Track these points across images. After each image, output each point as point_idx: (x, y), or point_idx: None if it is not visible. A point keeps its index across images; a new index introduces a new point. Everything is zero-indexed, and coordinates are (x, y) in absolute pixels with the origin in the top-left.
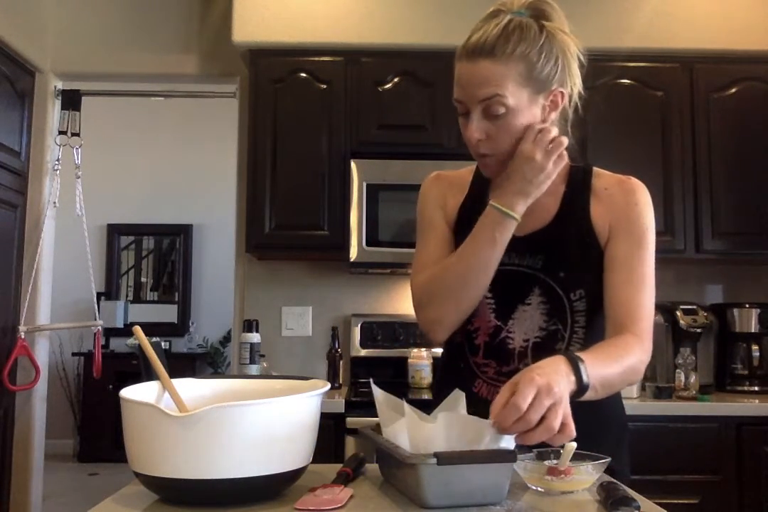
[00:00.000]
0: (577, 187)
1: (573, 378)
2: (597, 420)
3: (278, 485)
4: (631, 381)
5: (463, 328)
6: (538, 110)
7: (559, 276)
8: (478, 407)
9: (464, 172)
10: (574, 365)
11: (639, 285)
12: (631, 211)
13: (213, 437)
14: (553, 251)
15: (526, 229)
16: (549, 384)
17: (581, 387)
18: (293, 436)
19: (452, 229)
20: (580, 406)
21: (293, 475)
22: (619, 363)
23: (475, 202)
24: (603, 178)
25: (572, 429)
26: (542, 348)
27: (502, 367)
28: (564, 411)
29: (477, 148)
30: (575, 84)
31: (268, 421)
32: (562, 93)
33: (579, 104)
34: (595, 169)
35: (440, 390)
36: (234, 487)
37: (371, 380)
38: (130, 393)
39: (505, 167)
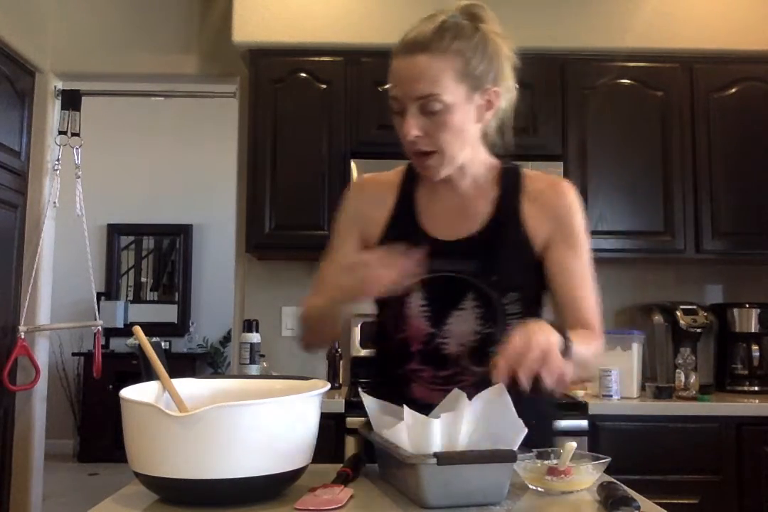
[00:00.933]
0: (509, 189)
1: (561, 338)
2: (535, 412)
3: (278, 485)
4: (591, 371)
5: (394, 338)
6: (473, 108)
7: (493, 280)
8: (415, 410)
9: (392, 175)
10: (561, 331)
11: (587, 288)
12: (567, 215)
13: (213, 437)
14: (486, 255)
15: (458, 233)
16: (545, 337)
17: (565, 350)
18: (293, 436)
19: (378, 239)
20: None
21: (293, 475)
22: (590, 349)
23: (404, 209)
24: (534, 179)
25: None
26: (477, 352)
27: (439, 371)
28: (557, 361)
29: (415, 146)
30: (509, 85)
31: (267, 421)
32: (496, 92)
33: (512, 107)
34: (524, 170)
35: (376, 394)
36: (234, 487)
37: (360, 389)
38: (130, 393)
39: (449, 169)
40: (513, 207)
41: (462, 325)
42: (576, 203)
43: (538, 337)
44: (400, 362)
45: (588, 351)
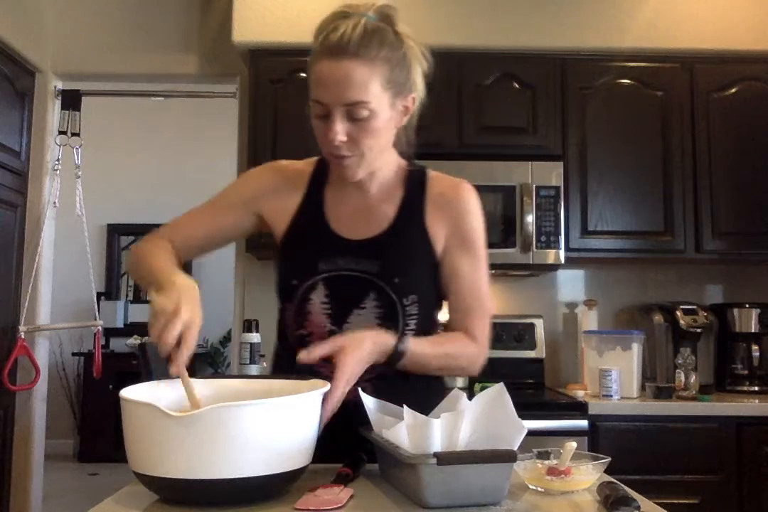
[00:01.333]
0: (414, 192)
1: (392, 344)
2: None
3: (278, 485)
4: (452, 372)
5: (294, 333)
6: (395, 114)
7: (394, 282)
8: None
9: (303, 165)
10: (400, 338)
11: (477, 295)
12: (464, 219)
13: (212, 437)
14: (389, 257)
15: (363, 233)
16: (352, 347)
17: (396, 356)
18: (292, 436)
19: (284, 230)
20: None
21: (293, 475)
22: (445, 351)
23: (312, 204)
24: (437, 182)
25: (340, 384)
26: None
27: None
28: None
29: (338, 150)
30: (421, 90)
31: (267, 421)
32: (413, 98)
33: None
34: (429, 172)
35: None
36: (233, 487)
37: (359, 388)
38: (129, 393)
39: (366, 168)
40: (417, 210)
41: (362, 324)
42: (474, 206)
43: (339, 341)
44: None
45: (441, 350)
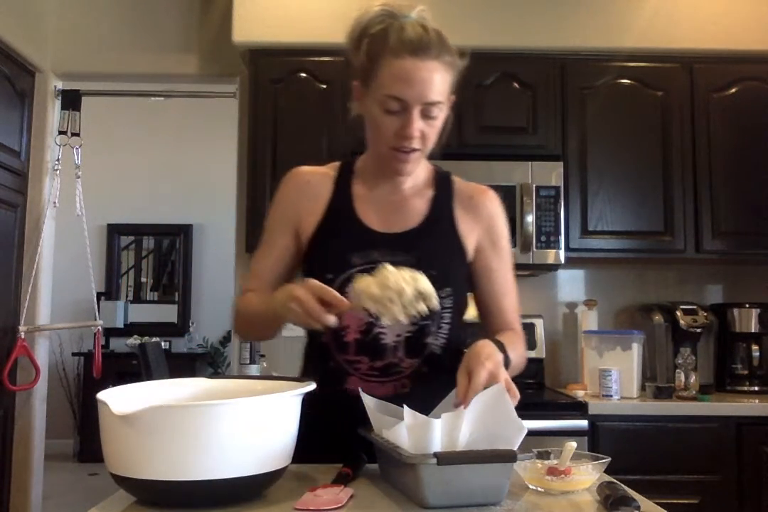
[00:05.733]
0: (443, 192)
1: (502, 358)
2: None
3: (248, 487)
4: (521, 368)
5: (329, 328)
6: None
7: (431, 274)
8: (350, 403)
9: (327, 169)
10: (502, 349)
11: (513, 294)
12: (495, 223)
13: (152, 437)
14: (425, 249)
15: (396, 227)
16: (495, 366)
17: (505, 367)
18: (245, 440)
19: (313, 230)
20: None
21: (266, 478)
22: (519, 352)
23: (341, 202)
24: (463, 186)
25: (517, 390)
26: (413, 343)
27: (375, 362)
28: (507, 379)
29: (411, 145)
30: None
31: (211, 424)
32: (452, 99)
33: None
34: (453, 176)
35: (311, 394)
36: (181, 489)
37: (360, 389)
38: (107, 393)
39: (419, 164)
40: (447, 208)
41: None
42: (501, 211)
43: (489, 359)
44: (333, 353)
45: (518, 352)
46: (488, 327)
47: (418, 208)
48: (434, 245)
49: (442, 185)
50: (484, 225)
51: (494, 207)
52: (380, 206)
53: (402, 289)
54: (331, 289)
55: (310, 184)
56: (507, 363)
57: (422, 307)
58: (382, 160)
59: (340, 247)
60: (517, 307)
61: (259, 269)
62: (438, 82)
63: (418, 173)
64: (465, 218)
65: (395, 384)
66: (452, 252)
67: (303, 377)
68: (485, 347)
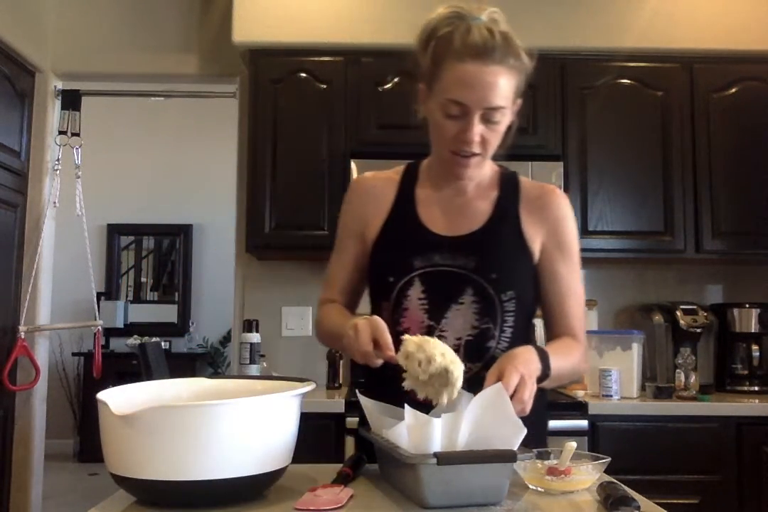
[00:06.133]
0: (509, 192)
1: (540, 367)
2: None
3: (246, 488)
4: (573, 378)
5: (391, 330)
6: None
7: (492, 277)
8: (403, 402)
9: (391, 173)
10: (543, 358)
11: (577, 298)
12: (563, 225)
13: (153, 437)
14: (486, 253)
15: (459, 230)
16: (529, 374)
17: (543, 377)
18: (245, 440)
19: (377, 234)
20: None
21: (265, 478)
22: (570, 362)
23: (404, 205)
24: (530, 186)
25: (528, 407)
26: (474, 346)
27: None
28: (531, 390)
29: (471, 149)
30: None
31: (209, 424)
32: (518, 103)
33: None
34: (521, 177)
35: (371, 394)
36: (179, 489)
37: (357, 390)
38: (107, 393)
39: (480, 168)
40: (512, 210)
41: (460, 319)
42: (571, 213)
43: (524, 364)
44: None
45: (567, 362)
46: (550, 331)
47: (482, 209)
48: (496, 248)
49: (507, 186)
50: (551, 226)
51: (562, 208)
52: (443, 209)
53: (432, 357)
54: (386, 334)
55: (375, 189)
56: (546, 374)
57: (441, 385)
58: (443, 163)
59: (401, 250)
60: (583, 314)
61: (333, 277)
62: (501, 86)
63: (482, 174)
64: (530, 219)
65: None
66: (516, 254)
67: (366, 375)
68: (524, 352)
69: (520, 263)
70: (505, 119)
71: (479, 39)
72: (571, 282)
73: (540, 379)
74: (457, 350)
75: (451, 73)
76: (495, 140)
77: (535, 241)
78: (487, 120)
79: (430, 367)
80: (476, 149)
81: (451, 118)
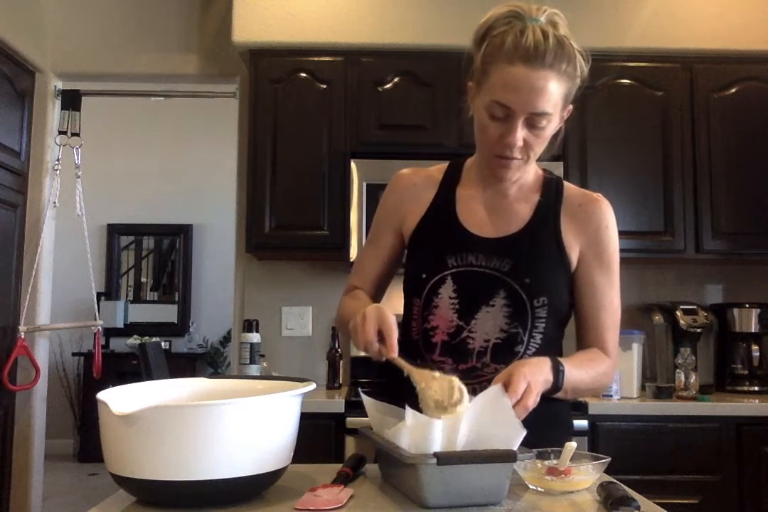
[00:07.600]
0: (551, 198)
1: (551, 380)
2: (546, 419)
3: (245, 488)
4: (596, 391)
5: (420, 327)
6: (558, 123)
7: (525, 282)
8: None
9: (434, 170)
10: (555, 370)
11: (613, 311)
12: (604, 235)
13: (153, 437)
14: (521, 257)
15: (497, 232)
16: (535, 383)
17: (555, 389)
18: (245, 440)
19: (414, 229)
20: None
21: (263, 478)
22: (590, 375)
23: (443, 203)
24: (574, 193)
25: (527, 410)
26: (501, 350)
27: (459, 365)
28: (534, 401)
29: (513, 153)
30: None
31: (209, 424)
32: (570, 109)
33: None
34: (565, 182)
35: (395, 388)
36: (178, 489)
37: (360, 389)
38: (116, 392)
39: (522, 171)
40: (552, 215)
41: (490, 321)
42: (612, 222)
43: (533, 374)
44: (421, 351)
45: (587, 375)
46: (580, 341)
47: (522, 213)
48: (532, 252)
49: (550, 190)
50: (591, 235)
51: (604, 217)
52: (483, 209)
53: (452, 408)
54: (392, 330)
55: (416, 186)
56: (558, 387)
57: (441, 407)
58: (485, 164)
59: (436, 248)
60: (616, 327)
61: (363, 265)
62: (549, 92)
63: (525, 177)
64: (570, 226)
65: (475, 388)
66: (551, 260)
67: (393, 375)
68: (538, 363)
69: (555, 270)
70: (551, 125)
71: (532, 41)
72: (608, 293)
73: (552, 391)
74: (483, 351)
75: (499, 74)
76: (539, 146)
77: (574, 249)
78: (532, 125)
79: (435, 382)
80: (517, 154)
81: (495, 120)
